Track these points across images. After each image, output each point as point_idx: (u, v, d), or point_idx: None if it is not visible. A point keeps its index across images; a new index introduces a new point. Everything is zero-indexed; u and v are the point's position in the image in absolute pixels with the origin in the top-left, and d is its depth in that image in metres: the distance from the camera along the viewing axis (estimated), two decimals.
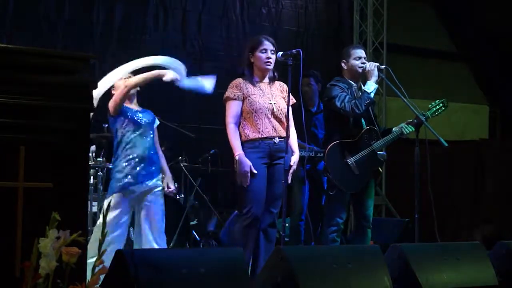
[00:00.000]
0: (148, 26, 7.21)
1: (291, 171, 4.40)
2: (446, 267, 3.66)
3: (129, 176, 4.45)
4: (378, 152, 4.85)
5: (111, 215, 4.33)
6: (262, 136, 4.42)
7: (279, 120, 4.48)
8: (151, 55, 4.56)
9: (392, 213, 8.22)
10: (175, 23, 7.39)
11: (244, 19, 7.84)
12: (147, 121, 4.60)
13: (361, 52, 4.90)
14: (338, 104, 4.69)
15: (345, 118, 4.76)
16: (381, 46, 8.51)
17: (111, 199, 4.42)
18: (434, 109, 4.96)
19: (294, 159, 4.46)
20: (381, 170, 5.01)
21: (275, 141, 4.44)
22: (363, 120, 4.85)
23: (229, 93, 4.49)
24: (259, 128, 4.43)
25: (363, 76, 4.89)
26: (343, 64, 4.90)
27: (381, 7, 8.54)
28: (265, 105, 4.44)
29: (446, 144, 4.64)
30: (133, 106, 4.64)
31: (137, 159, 4.49)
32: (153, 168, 4.58)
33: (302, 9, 8.33)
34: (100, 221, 4.47)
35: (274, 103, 4.47)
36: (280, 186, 4.41)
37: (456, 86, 9.81)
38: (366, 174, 4.81)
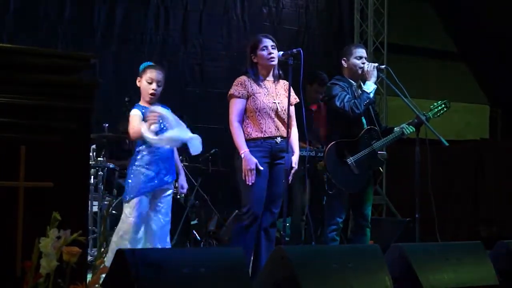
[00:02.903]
0: (148, 26, 7.20)
1: (292, 171, 4.42)
2: (446, 267, 3.66)
3: (156, 178, 4.37)
4: (379, 152, 4.84)
5: (133, 218, 4.29)
6: (265, 136, 4.42)
7: (282, 120, 4.47)
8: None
9: (392, 213, 8.22)
10: (176, 23, 7.38)
11: (245, 18, 7.84)
12: None
13: (362, 52, 4.87)
14: (338, 103, 4.66)
15: (346, 118, 4.73)
16: (381, 45, 8.49)
17: (136, 201, 4.32)
18: (436, 109, 4.95)
19: (295, 159, 4.47)
20: (381, 170, 5.00)
21: (277, 141, 4.44)
22: (364, 120, 4.83)
23: (233, 90, 4.47)
24: (262, 128, 4.42)
25: (362, 77, 4.88)
26: (343, 62, 4.87)
27: (381, 7, 8.54)
28: (269, 105, 4.43)
29: (446, 144, 4.63)
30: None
31: (160, 157, 4.39)
32: (172, 166, 4.49)
33: (303, 8, 8.32)
34: (126, 220, 4.35)
35: (278, 103, 4.46)
36: (281, 186, 4.42)
37: (456, 86, 9.81)
38: (365, 174, 4.80)
